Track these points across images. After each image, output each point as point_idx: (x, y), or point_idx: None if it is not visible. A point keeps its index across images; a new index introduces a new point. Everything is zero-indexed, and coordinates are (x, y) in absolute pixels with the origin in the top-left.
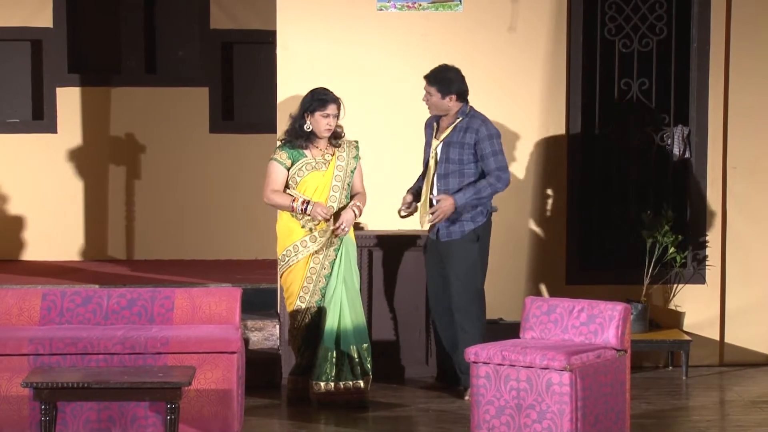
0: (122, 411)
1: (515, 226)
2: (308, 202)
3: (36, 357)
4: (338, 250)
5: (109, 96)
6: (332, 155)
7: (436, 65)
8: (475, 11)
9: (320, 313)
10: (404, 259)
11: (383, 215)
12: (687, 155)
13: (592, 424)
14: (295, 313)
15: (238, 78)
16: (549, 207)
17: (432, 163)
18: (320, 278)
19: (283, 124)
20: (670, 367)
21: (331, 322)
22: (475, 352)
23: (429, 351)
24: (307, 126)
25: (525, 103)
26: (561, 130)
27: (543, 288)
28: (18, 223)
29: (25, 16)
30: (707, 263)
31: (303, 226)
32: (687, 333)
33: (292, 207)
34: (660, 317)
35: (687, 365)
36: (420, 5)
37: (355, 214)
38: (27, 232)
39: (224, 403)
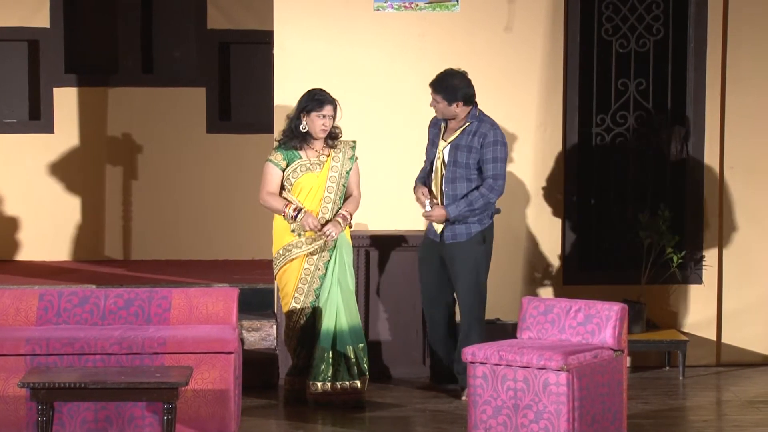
0: (119, 411)
1: (512, 226)
2: (300, 211)
3: (33, 357)
4: (333, 251)
5: (106, 96)
6: (327, 156)
7: (441, 70)
8: (472, 11)
9: (315, 313)
10: (401, 259)
11: (381, 215)
12: (684, 155)
13: (589, 424)
14: (290, 314)
15: (235, 78)
16: (546, 207)
17: (438, 164)
18: (314, 279)
19: (280, 124)
20: (667, 368)
21: (327, 323)
22: (472, 352)
23: (425, 351)
24: (303, 126)
25: (522, 103)
26: (558, 130)
27: (540, 288)
28: (15, 223)
29: (22, 16)
30: (704, 263)
31: (293, 230)
32: (684, 333)
33: (284, 212)
34: (657, 317)
35: (684, 365)
36: (417, 5)
37: (341, 226)
38: (24, 232)
39: (221, 403)
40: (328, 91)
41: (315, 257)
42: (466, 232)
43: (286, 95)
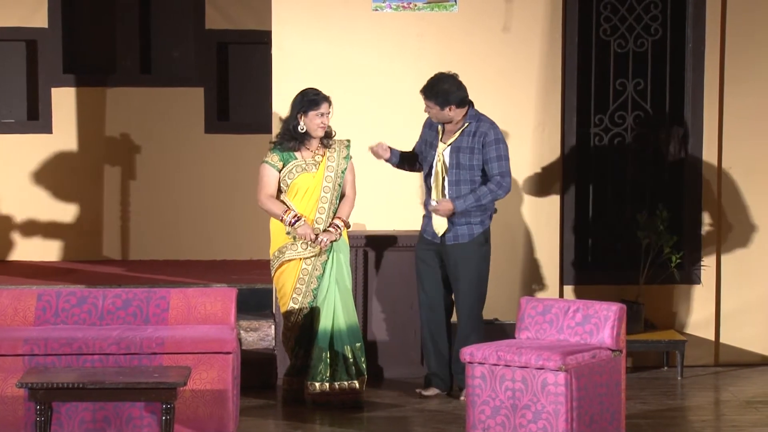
0: (117, 411)
1: (511, 226)
2: (299, 219)
3: (31, 357)
4: (330, 251)
5: (105, 96)
6: (322, 156)
7: (438, 71)
8: (471, 11)
9: (313, 314)
10: (398, 259)
11: (379, 216)
12: (682, 155)
13: (588, 425)
14: (288, 314)
15: (233, 78)
16: (544, 207)
17: (440, 167)
18: (312, 279)
19: (278, 124)
20: (666, 368)
21: (324, 323)
22: (470, 353)
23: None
24: (301, 127)
25: (520, 103)
26: (556, 130)
27: (538, 288)
28: (14, 223)
29: (20, 16)
30: (702, 264)
31: (288, 233)
32: (682, 333)
33: (282, 218)
34: (655, 317)
35: (682, 365)
36: (415, 6)
37: (335, 235)
38: (22, 232)
39: (219, 403)
40: (324, 90)
41: (312, 258)
42: (468, 233)
43: (284, 95)
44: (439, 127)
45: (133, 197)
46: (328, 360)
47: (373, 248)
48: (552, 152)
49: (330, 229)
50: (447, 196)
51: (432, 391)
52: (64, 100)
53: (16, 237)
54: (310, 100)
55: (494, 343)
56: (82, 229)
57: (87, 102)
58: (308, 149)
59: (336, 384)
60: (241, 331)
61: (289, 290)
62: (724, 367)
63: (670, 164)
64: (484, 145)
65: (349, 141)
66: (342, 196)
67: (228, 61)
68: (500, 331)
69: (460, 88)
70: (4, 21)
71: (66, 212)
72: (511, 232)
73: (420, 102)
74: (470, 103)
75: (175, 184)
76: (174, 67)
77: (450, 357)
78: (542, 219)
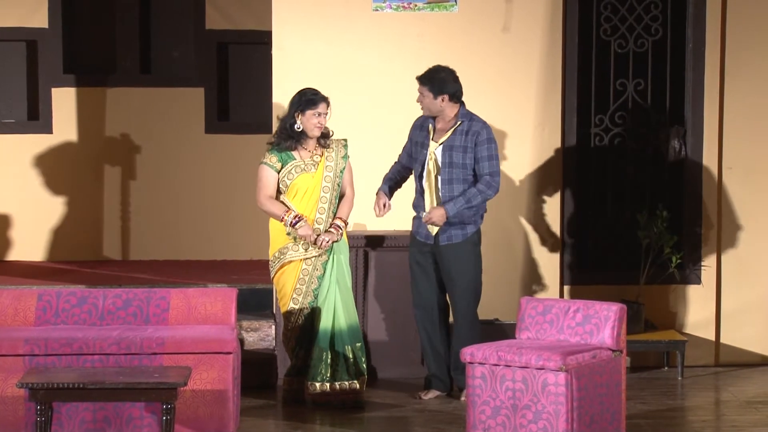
0: (118, 411)
1: (511, 226)
2: (300, 219)
3: (31, 357)
4: (330, 251)
5: (105, 96)
6: (321, 156)
7: (431, 66)
8: (471, 12)
9: (313, 314)
10: (399, 259)
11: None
12: (682, 156)
13: (588, 425)
14: (288, 314)
15: (233, 78)
16: (544, 207)
17: (431, 166)
18: (313, 279)
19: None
20: (666, 368)
21: (325, 323)
22: (470, 353)
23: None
24: (298, 126)
25: (520, 103)
26: (556, 130)
27: (538, 288)
28: (13, 223)
29: (20, 16)
30: (703, 264)
31: (288, 233)
32: (682, 333)
33: (282, 218)
34: (655, 318)
35: (682, 365)
36: (415, 6)
37: (336, 236)
38: (22, 232)
39: (220, 403)
40: (325, 90)
41: (313, 258)
42: (461, 233)
43: (284, 95)
44: (430, 126)
45: (133, 197)
46: (329, 360)
47: (373, 248)
48: (552, 152)
49: (331, 229)
50: (440, 196)
51: (432, 394)
52: (64, 100)
53: (17, 237)
54: (307, 99)
55: (494, 344)
56: (83, 230)
57: (87, 102)
58: (306, 149)
59: (336, 384)
60: (242, 332)
61: (290, 291)
62: (724, 368)
63: (670, 164)
64: (476, 144)
65: (346, 140)
66: (341, 195)
67: (228, 61)
68: (500, 331)
69: (456, 81)
70: (4, 21)
71: (66, 212)
72: (511, 232)
73: None
74: (462, 103)
75: (176, 184)
76: (174, 68)
77: (449, 358)
78: (542, 219)
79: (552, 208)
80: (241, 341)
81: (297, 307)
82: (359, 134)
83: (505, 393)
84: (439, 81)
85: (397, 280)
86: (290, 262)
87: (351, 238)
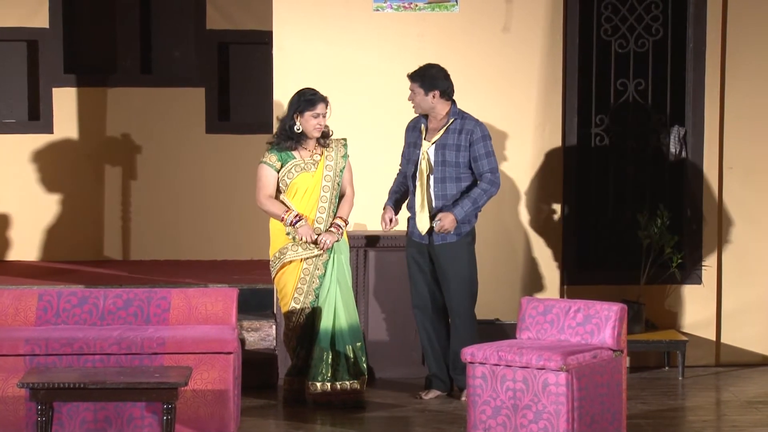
0: (118, 411)
1: (511, 226)
2: (300, 219)
3: (32, 357)
4: (331, 250)
5: (105, 96)
6: (321, 155)
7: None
8: (472, 12)
9: (315, 313)
10: (398, 259)
11: (378, 216)
12: (683, 156)
13: (588, 425)
14: (289, 314)
15: (234, 78)
16: (545, 207)
17: (424, 165)
18: (314, 279)
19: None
20: (667, 368)
21: (325, 323)
22: (471, 353)
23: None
24: (297, 127)
25: (521, 103)
26: (557, 130)
27: (539, 288)
28: (14, 223)
29: (21, 16)
30: (703, 264)
31: (288, 233)
32: (683, 333)
33: (282, 218)
34: (656, 318)
35: (683, 365)
36: (416, 6)
37: (336, 235)
38: (23, 232)
39: (220, 403)
40: (325, 90)
41: (313, 257)
42: (456, 232)
43: (285, 95)
44: (422, 126)
45: (133, 197)
46: (330, 360)
47: (374, 248)
48: (553, 152)
49: (332, 229)
50: (432, 194)
51: (432, 394)
52: (65, 100)
53: (17, 237)
54: (306, 100)
55: (495, 344)
56: (83, 230)
57: (88, 102)
58: (306, 149)
59: (337, 384)
60: (242, 331)
61: (291, 290)
62: (725, 368)
63: (670, 164)
64: (471, 143)
65: (346, 140)
66: (341, 195)
67: (229, 61)
68: (501, 331)
69: (447, 78)
70: (4, 21)
71: (67, 212)
72: (512, 232)
73: None
74: (454, 101)
75: (176, 184)
76: (175, 68)
77: (449, 358)
78: (543, 219)
79: (552, 207)
80: (242, 341)
81: (298, 306)
82: (359, 134)
83: (506, 393)
84: (430, 77)
85: (398, 280)
86: (290, 262)
87: (351, 238)
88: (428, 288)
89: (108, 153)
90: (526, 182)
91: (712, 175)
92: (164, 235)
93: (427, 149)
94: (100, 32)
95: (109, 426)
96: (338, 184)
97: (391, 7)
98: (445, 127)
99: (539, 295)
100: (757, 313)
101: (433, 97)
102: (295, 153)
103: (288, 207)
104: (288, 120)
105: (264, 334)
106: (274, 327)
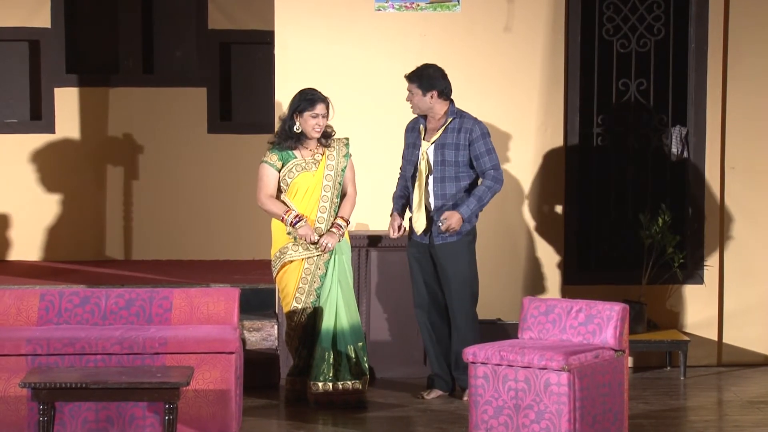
0: (120, 411)
1: (513, 226)
2: (300, 219)
3: (34, 357)
4: (332, 251)
5: (107, 96)
6: (322, 155)
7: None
8: (473, 11)
9: (316, 313)
10: (400, 258)
11: (380, 215)
12: (685, 155)
13: (590, 425)
14: (291, 314)
15: (236, 78)
16: (546, 207)
17: (423, 165)
18: (315, 279)
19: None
20: (668, 368)
21: (327, 323)
22: (473, 353)
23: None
24: (297, 127)
25: (523, 103)
26: (559, 130)
27: (541, 288)
28: (16, 222)
29: (22, 16)
30: (705, 264)
31: (288, 233)
32: (685, 333)
33: (283, 218)
34: (658, 317)
35: (685, 365)
36: (418, 5)
37: (338, 236)
38: (24, 231)
39: (222, 403)
40: (327, 90)
41: (315, 257)
42: (456, 231)
43: (287, 95)
44: (421, 126)
45: (135, 197)
46: (331, 360)
47: (376, 248)
48: (554, 152)
49: (333, 230)
50: (431, 194)
51: (434, 394)
52: (66, 100)
53: (19, 236)
54: (306, 100)
55: (497, 343)
56: (85, 229)
57: (90, 102)
58: (307, 148)
59: (339, 384)
60: (244, 331)
61: (292, 290)
62: (726, 367)
63: (672, 164)
64: (471, 142)
65: (347, 139)
66: (343, 195)
67: (231, 61)
68: (503, 331)
69: (445, 78)
70: (6, 21)
71: (68, 212)
72: (513, 232)
73: None
74: (452, 101)
75: (178, 184)
76: (177, 67)
77: (450, 358)
78: (544, 219)
79: (554, 207)
80: (244, 341)
81: (300, 306)
82: (361, 133)
83: (508, 393)
84: (428, 78)
85: (399, 280)
86: (291, 261)
87: (353, 238)
88: (429, 288)
89: (110, 153)
90: (527, 182)
91: (713, 174)
92: (166, 235)
93: (427, 149)
94: (101, 32)
95: (111, 426)
96: (339, 184)
97: (393, 7)
98: (443, 127)
99: (541, 295)
100: (759, 313)
101: (431, 97)
102: (296, 152)
103: (288, 207)
104: (288, 119)
105: (266, 334)
106: (275, 327)
